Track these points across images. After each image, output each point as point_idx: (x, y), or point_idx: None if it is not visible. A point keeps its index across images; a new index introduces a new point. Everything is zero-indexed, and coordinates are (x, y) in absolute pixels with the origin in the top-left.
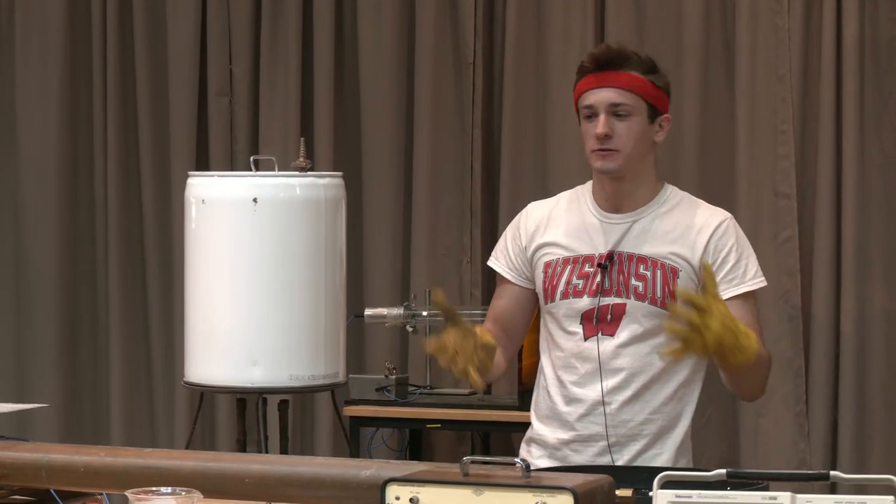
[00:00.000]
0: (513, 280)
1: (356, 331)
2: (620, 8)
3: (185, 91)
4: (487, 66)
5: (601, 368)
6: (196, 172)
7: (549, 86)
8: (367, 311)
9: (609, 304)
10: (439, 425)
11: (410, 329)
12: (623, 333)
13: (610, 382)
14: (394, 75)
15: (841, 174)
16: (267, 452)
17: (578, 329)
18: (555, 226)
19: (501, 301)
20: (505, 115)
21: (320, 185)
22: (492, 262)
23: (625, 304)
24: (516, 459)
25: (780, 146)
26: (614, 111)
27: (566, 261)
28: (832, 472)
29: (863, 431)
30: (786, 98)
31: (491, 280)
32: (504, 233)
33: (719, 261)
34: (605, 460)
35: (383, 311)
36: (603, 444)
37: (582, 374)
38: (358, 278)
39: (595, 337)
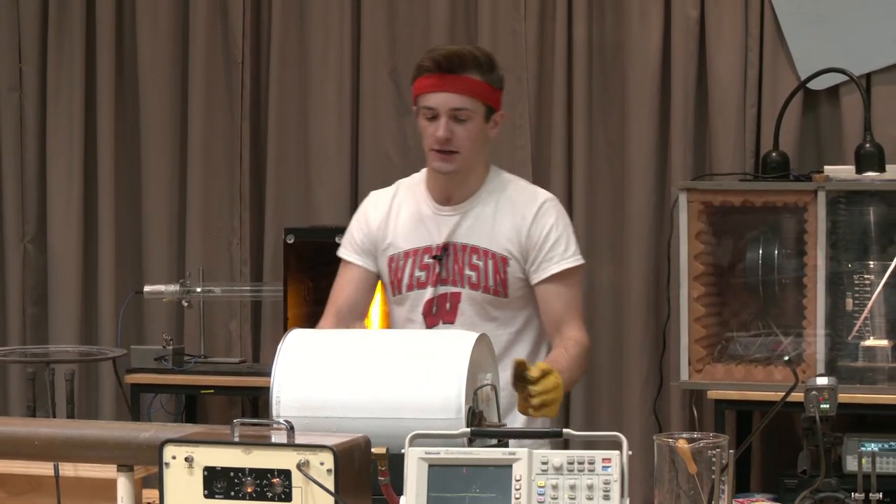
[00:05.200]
0: (359, 263)
1: (136, 306)
2: (375, 13)
3: None
4: (255, 65)
5: None
6: None
7: (310, 83)
8: (146, 288)
9: (447, 293)
10: (212, 391)
11: (186, 304)
12: (460, 319)
13: None
14: (170, 73)
15: (572, 162)
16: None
17: (421, 318)
18: (395, 218)
19: (344, 291)
20: (271, 109)
21: None
22: (341, 252)
23: (460, 293)
24: (281, 420)
25: (518, 138)
26: (454, 115)
27: (406, 254)
28: (565, 430)
29: (591, 394)
30: (523, 96)
31: (258, 259)
32: (350, 224)
33: (540, 241)
34: None
35: (161, 287)
36: None
37: None
38: (137, 258)
39: (436, 326)
